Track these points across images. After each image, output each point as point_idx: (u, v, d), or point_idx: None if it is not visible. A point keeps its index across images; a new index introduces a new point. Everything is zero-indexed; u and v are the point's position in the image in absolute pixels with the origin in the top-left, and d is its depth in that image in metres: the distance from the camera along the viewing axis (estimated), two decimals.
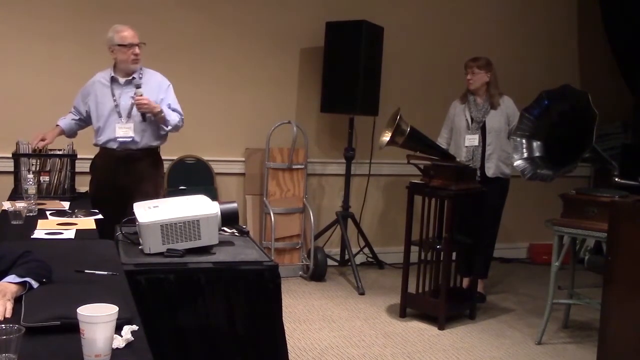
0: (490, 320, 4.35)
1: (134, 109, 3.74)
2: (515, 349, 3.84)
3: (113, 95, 3.79)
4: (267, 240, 4.98)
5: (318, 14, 5.13)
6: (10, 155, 3.83)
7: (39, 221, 3.02)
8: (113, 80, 3.81)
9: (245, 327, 2.56)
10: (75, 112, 3.95)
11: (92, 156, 4.58)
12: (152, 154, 3.92)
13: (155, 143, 3.89)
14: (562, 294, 4.17)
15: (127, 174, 3.80)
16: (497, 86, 4.54)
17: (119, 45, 3.73)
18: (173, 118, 3.83)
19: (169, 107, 3.85)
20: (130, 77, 3.80)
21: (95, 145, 3.90)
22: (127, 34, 3.75)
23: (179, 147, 4.82)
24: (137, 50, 3.76)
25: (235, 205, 2.82)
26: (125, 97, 3.78)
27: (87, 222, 3.08)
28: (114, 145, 3.79)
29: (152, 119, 3.78)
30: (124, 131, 3.76)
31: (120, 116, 3.77)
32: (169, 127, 3.85)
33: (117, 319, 1.50)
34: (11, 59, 4.51)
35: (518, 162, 4.04)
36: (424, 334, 4.01)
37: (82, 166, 4.05)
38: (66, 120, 3.95)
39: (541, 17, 5.93)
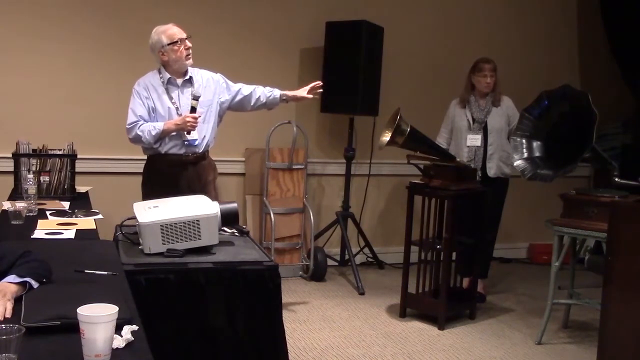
0: (490, 320, 4.35)
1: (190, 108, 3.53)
2: (515, 349, 3.84)
3: (171, 98, 3.58)
4: (267, 240, 4.98)
5: (318, 14, 5.12)
6: (10, 155, 3.83)
7: (39, 221, 3.02)
8: (170, 82, 3.58)
9: (245, 327, 2.56)
10: (141, 120, 3.54)
11: (93, 156, 4.59)
12: (208, 155, 3.76)
13: (212, 144, 3.74)
14: (562, 294, 4.18)
15: (193, 178, 3.62)
16: (499, 86, 4.57)
17: (170, 44, 3.51)
18: None
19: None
20: (188, 77, 3.62)
21: (155, 153, 3.60)
22: (175, 30, 3.56)
23: None
24: (188, 43, 3.57)
25: (235, 205, 2.82)
26: (185, 99, 3.58)
27: (87, 222, 3.08)
28: (180, 151, 3.58)
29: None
30: (192, 134, 3.55)
31: None
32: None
33: (117, 319, 1.50)
34: (11, 59, 4.51)
35: (518, 162, 4.04)
36: (424, 334, 4.01)
37: (82, 166, 4.04)
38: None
39: (541, 17, 5.93)
